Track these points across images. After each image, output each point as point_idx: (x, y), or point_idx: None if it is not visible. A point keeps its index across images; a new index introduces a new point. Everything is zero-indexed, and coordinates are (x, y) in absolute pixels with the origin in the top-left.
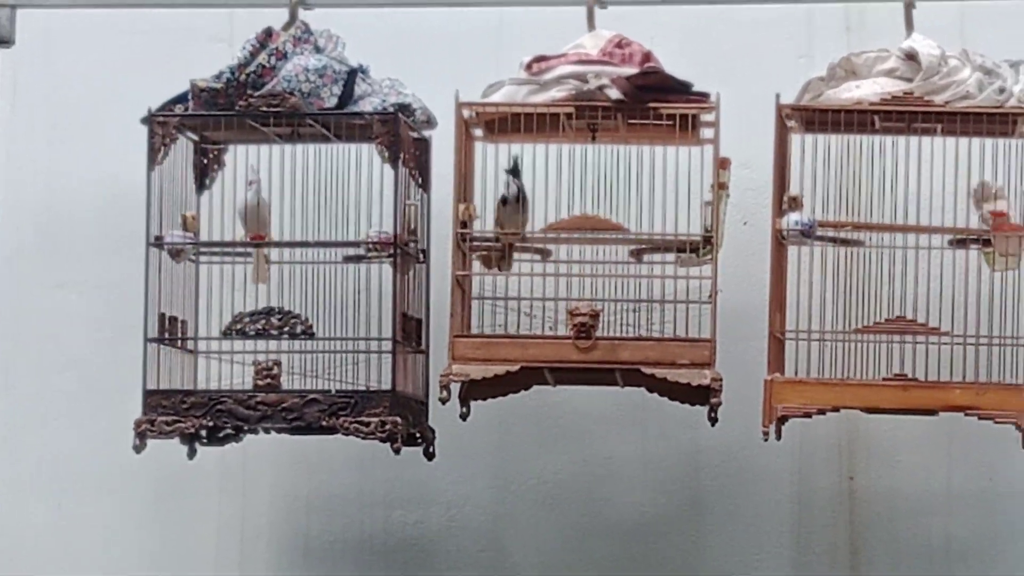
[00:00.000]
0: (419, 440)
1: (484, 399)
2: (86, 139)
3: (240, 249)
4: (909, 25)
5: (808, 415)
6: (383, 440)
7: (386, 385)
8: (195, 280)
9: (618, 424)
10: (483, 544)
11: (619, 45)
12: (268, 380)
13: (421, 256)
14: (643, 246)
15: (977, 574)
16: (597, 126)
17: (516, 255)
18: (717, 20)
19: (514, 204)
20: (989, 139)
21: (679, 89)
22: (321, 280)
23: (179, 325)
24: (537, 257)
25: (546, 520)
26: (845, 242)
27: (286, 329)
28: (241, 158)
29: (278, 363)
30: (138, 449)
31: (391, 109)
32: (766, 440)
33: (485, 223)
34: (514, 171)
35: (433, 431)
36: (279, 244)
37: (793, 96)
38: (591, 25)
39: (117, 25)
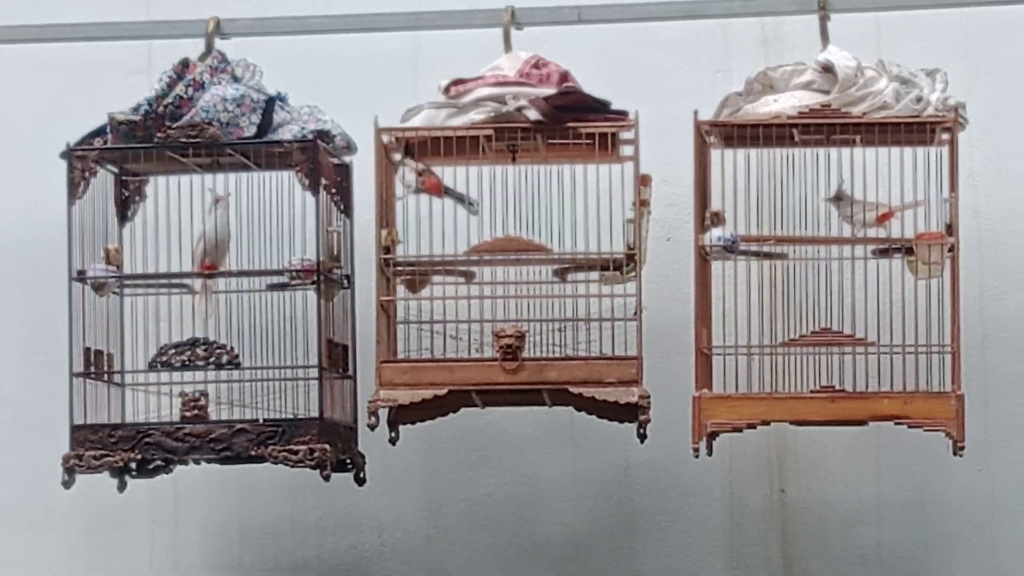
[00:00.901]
0: (349, 466)
1: (413, 423)
2: (7, 174)
3: (164, 280)
4: (825, 37)
5: (738, 430)
6: (313, 467)
7: (314, 412)
8: (119, 313)
9: (547, 444)
10: (416, 567)
11: (536, 66)
12: (195, 411)
13: (345, 282)
14: (567, 265)
15: None
16: (517, 147)
17: (439, 278)
18: (634, 38)
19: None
20: (908, 148)
21: (597, 108)
22: (246, 309)
23: (105, 358)
24: (461, 280)
25: (479, 541)
26: (768, 256)
27: (212, 359)
28: (162, 189)
29: (205, 394)
30: (67, 484)
31: (310, 136)
32: (696, 456)
33: (408, 247)
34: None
35: (363, 456)
36: (202, 275)
37: (712, 112)
38: (508, 47)
39: (34, 60)
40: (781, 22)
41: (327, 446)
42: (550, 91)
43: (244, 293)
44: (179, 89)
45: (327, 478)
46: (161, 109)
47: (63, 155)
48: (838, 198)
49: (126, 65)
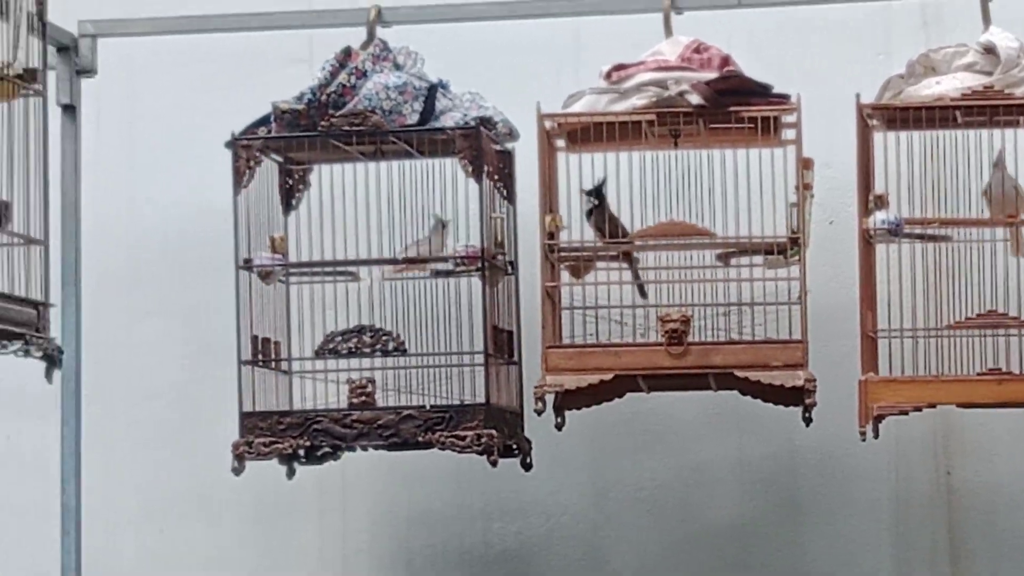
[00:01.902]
0: (515, 451)
1: (579, 408)
2: (171, 165)
3: (329, 268)
4: (986, 18)
5: (904, 413)
6: (479, 453)
7: (480, 398)
8: (286, 301)
9: (713, 428)
10: (582, 552)
11: (697, 50)
12: (363, 398)
13: (509, 268)
14: (730, 250)
15: None
16: (679, 132)
17: (603, 264)
18: (793, 22)
19: (590, 218)
20: None
21: (759, 92)
22: (411, 296)
23: (272, 346)
24: (625, 265)
25: (644, 527)
26: (933, 238)
27: (378, 346)
28: (326, 177)
29: (372, 380)
30: (237, 471)
31: (473, 123)
32: (863, 440)
33: (571, 233)
34: (594, 192)
35: (529, 442)
36: (367, 262)
37: (873, 95)
38: (668, 31)
39: (198, 51)
40: (942, 4)
41: (494, 432)
42: (711, 75)
43: (409, 280)
44: (342, 77)
45: (494, 463)
46: (324, 98)
47: (228, 145)
48: (997, 164)
49: (288, 54)
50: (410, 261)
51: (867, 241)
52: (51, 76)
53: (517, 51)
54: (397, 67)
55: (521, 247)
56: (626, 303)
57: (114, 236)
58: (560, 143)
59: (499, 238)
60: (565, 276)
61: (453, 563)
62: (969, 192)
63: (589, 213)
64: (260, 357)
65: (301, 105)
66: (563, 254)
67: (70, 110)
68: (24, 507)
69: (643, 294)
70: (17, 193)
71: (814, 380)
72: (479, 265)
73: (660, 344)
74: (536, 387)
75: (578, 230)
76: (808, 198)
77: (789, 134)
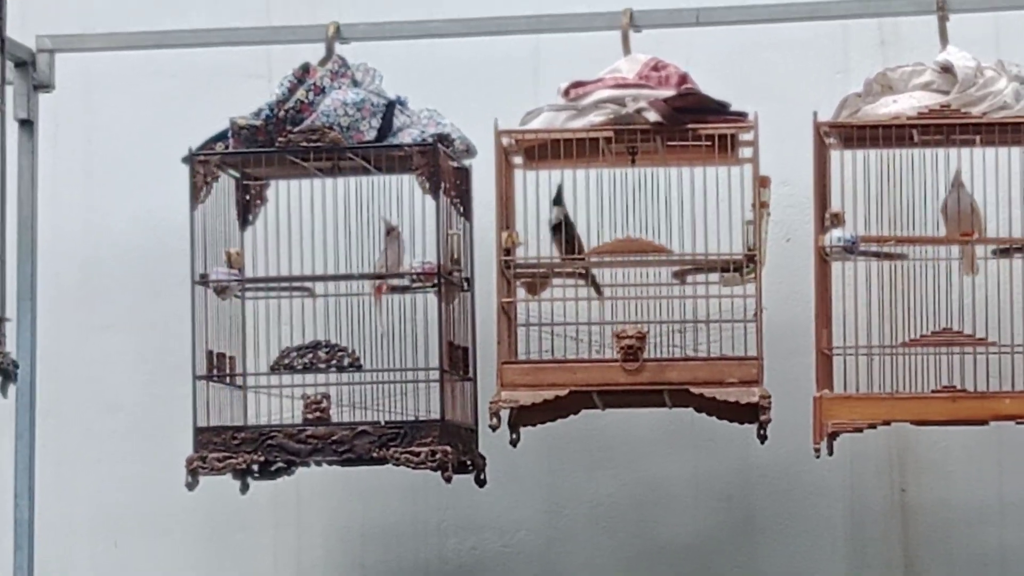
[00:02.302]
0: (470, 467)
1: (534, 424)
2: (128, 180)
3: (285, 284)
4: (944, 38)
5: (859, 430)
6: (434, 469)
7: (435, 414)
8: (241, 316)
9: (668, 445)
10: (538, 569)
11: (655, 68)
12: (318, 413)
13: (465, 285)
14: (686, 267)
15: None
16: (636, 149)
17: (560, 280)
18: (752, 40)
19: (558, 233)
20: None
21: (717, 109)
22: (367, 312)
23: (227, 361)
24: (581, 282)
25: (600, 543)
26: (888, 256)
27: (333, 362)
28: (283, 193)
29: (327, 396)
30: (191, 486)
31: (430, 140)
32: (818, 457)
33: (528, 250)
34: (557, 199)
35: (484, 458)
36: (323, 278)
37: (831, 113)
38: (626, 49)
39: (156, 66)
40: (900, 23)
41: (448, 448)
42: (669, 93)
43: (365, 296)
44: (300, 94)
45: (449, 480)
46: (282, 114)
47: (185, 160)
48: (955, 183)
49: (246, 70)
50: (367, 277)
51: (823, 259)
52: (8, 91)
53: (475, 68)
54: (355, 84)
55: (477, 263)
56: (582, 320)
57: (70, 250)
58: (517, 160)
59: (455, 254)
60: (521, 292)
61: None
62: (925, 210)
63: (556, 228)
64: (215, 372)
65: (259, 121)
66: (519, 270)
67: (27, 125)
68: None
69: (598, 291)
70: None
71: (769, 397)
72: (435, 281)
73: (616, 360)
74: (491, 403)
75: (534, 246)
76: (765, 216)
77: (746, 152)
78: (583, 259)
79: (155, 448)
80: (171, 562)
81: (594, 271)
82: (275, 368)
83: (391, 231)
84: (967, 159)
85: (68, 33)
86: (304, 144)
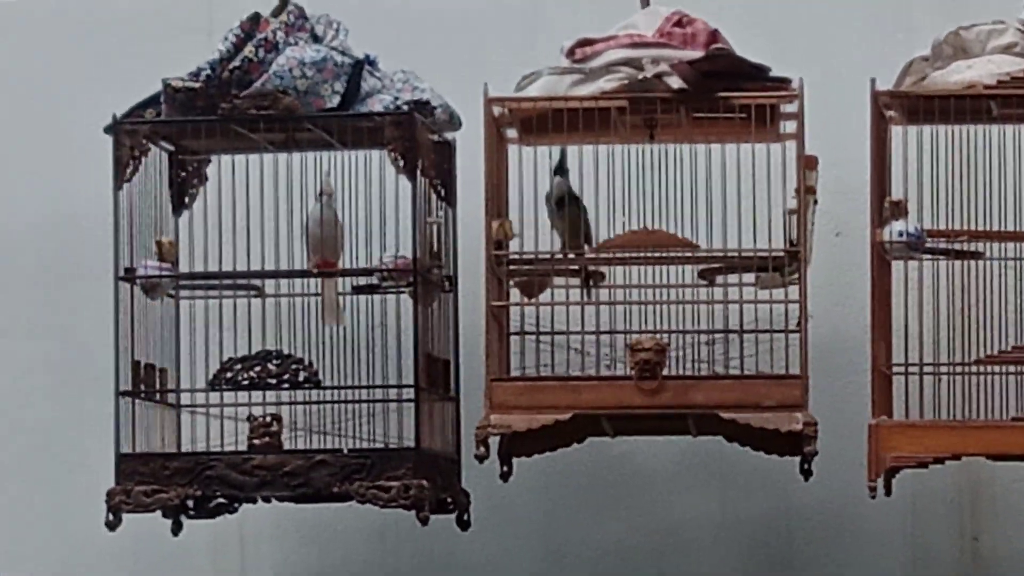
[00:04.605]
0: (451, 506)
1: (529, 455)
2: (37, 154)
3: (228, 280)
4: None
5: (923, 465)
6: (407, 508)
7: (409, 442)
8: (174, 319)
9: (691, 482)
10: None
11: (679, 23)
12: (266, 439)
13: (447, 284)
14: (716, 265)
15: None
16: (655, 122)
17: (562, 280)
18: None
19: (561, 209)
20: None
21: (753, 74)
22: (326, 316)
23: (157, 375)
24: (588, 283)
25: None
26: (960, 254)
27: (286, 377)
28: (227, 171)
29: (278, 418)
30: (112, 526)
31: (405, 108)
32: (873, 497)
33: (524, 243)
34: (559, 169)
35: (467, 495)
36: (275, 274)
37: (891, 81)
38: (644, 1)
39: (71, 16)
40: None
41: (424, 482)
42: (696, 54)
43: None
44: (248, 51)
45: (425, 521)
46: (226, 75)
47: (108, 129)
48: None
49: (183, 22)
50: (326, 274)
51: (881, 257)
52: None
53: (461, 21)
54: (315, 39)
55: (462, 259)
56: (588, 328)
57: None
58: (511, 133)
59: (435, 247)
60: (515, 295)
61: None
62: (1004, 200)
63: (559, 204)
64: (142, 387)
65: (198, 83)
66: (513, 268)
67: None
68: None
69: (589, 286)
70: None
71: (815, 424)
72: (410, 279)
73: (629, 378)
74: (478, 428)
75: (531, 239)
76: (810, 204)
77: (789, 126)
78: (593, 256)
79: (69, 480)
80: None
81: (604, 269)
82: (215, 383)
83: (324, 193)
84: None
85: None
86: (253, 112)
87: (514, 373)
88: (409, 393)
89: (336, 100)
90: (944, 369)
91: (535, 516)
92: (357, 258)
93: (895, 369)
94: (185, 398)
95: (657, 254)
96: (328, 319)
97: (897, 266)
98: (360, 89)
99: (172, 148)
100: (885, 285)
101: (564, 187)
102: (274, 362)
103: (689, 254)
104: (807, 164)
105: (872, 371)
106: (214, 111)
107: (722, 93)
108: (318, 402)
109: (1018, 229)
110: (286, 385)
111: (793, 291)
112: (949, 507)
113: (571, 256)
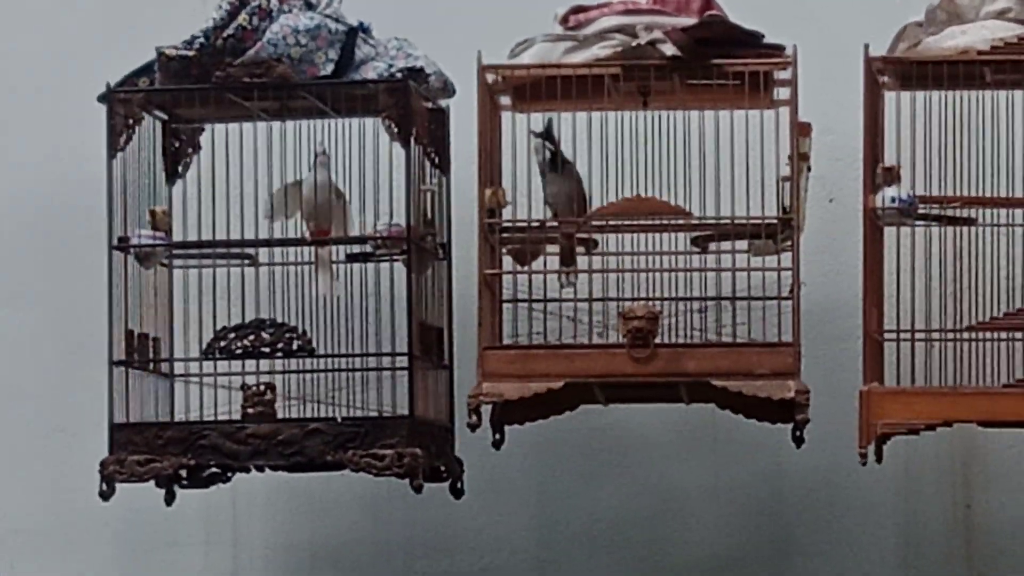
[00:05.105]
0: (444, 475)
1: (521, 423)
2: (30, 123)
3: (222, 249)
4: None
5: (915, 431)
6: (401, 476)
7: (403, 410)
8: (168, 288)
9: (684, 449)
10: None
11: None
12: (260, 408)
13: (440, 252)
14: (709, 232)
15: None
16: (649, 89)
17: (551, 248)
18: None
19: (552, 174)
20: None
21: (747, 41)
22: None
23: (150, 344)
24: (581, 249)
25: (600, 566)
26: (953, 220)
27: (280, 345)
28: (220, 139)
29: (272, 387)
30: (105, 496)
31: (399, 75)
32: (864, 464)
33: (516, 211)
34: (546, 134)
35: (461, 463)
36: (269, 243)
37: (885, 47)
38: None
39: None
40: None
41: (418, 450)
42: (690, 20)
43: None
44: (242, 18)
45: (418, 489)
46: (220, 43)
47: (102, 98)
48: None
49: None
50: (320, 242)
51: (874, 223)
52: None
53: None
54: (309, 6)
55: (455, 226)
56: (581, 296)
57: None
58: (505, 100)
59: (429, 215)
60: (508, 262)
61: None
62: (997, 166)
63: (552, 165)
64: (136, 357)
65: (191, 51)
66: (506, 236)
67: None
68: None
69: (571, 257)
70: None
71: (807, 392)
72: (404, 248)
73: (621, 346)
74: (471, 396)
75: (525, 207)
76: (804, 171)
77: (782, 93)
78: (585, 222)
79: (62, 449)
80: None
81: (597, 236)
82: (209, 352)
83: (319, 156)
84: None
85: None
86: (247, 80)
87: (507, 341)
88: (403, 361)
89: (330, 68)
90: (936, 336)
91: (528, 484)
92: (351, 226)
93: (887, 336)
94: (179, 367)
95: (650, 221)
96: (322, 288)
97: (889, 232)
98: (354, 57)
99: (166, 117)
100: (877, 252)
101: (550, 149)
102: (268, 331)
103: (682, 221)
104: (800, 131)
105: (864, 338)
106: (208, 79)
107: (716, 60)
108: (312, 371)
109: (1011, 195)
110: (280, 354)
111: (786, 258)
112: (941, 474)
113: (559, 224)
